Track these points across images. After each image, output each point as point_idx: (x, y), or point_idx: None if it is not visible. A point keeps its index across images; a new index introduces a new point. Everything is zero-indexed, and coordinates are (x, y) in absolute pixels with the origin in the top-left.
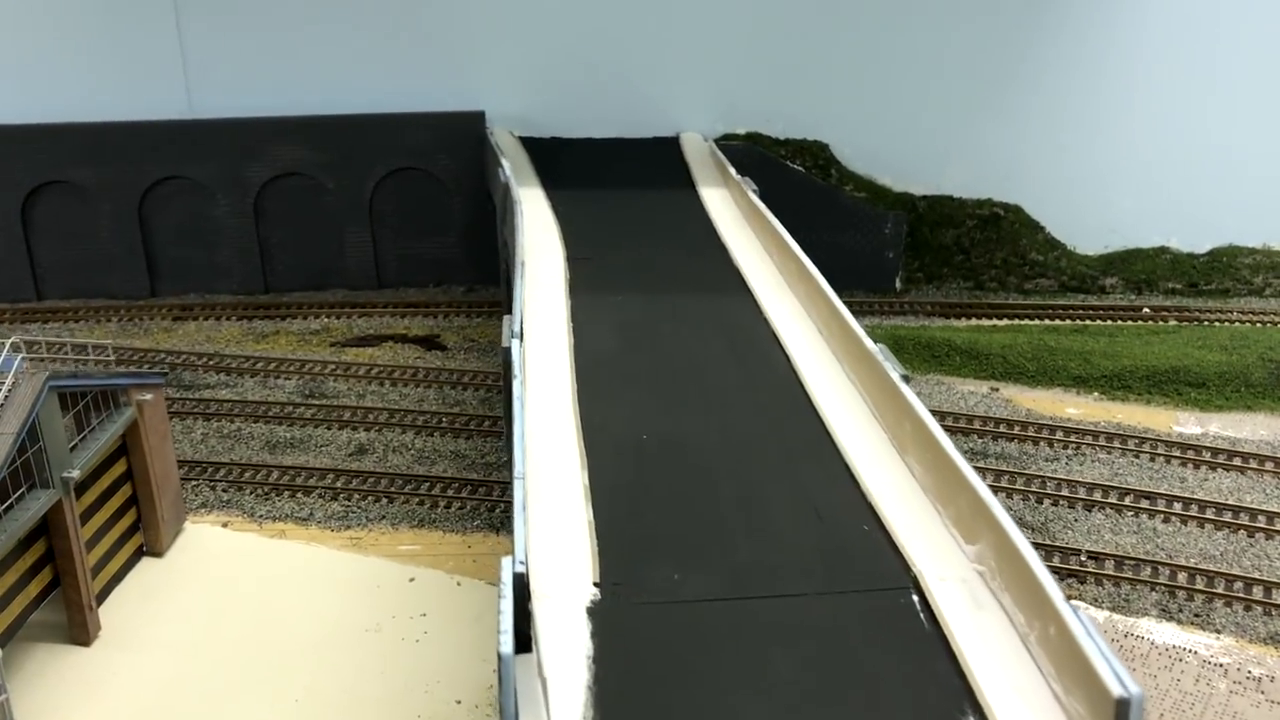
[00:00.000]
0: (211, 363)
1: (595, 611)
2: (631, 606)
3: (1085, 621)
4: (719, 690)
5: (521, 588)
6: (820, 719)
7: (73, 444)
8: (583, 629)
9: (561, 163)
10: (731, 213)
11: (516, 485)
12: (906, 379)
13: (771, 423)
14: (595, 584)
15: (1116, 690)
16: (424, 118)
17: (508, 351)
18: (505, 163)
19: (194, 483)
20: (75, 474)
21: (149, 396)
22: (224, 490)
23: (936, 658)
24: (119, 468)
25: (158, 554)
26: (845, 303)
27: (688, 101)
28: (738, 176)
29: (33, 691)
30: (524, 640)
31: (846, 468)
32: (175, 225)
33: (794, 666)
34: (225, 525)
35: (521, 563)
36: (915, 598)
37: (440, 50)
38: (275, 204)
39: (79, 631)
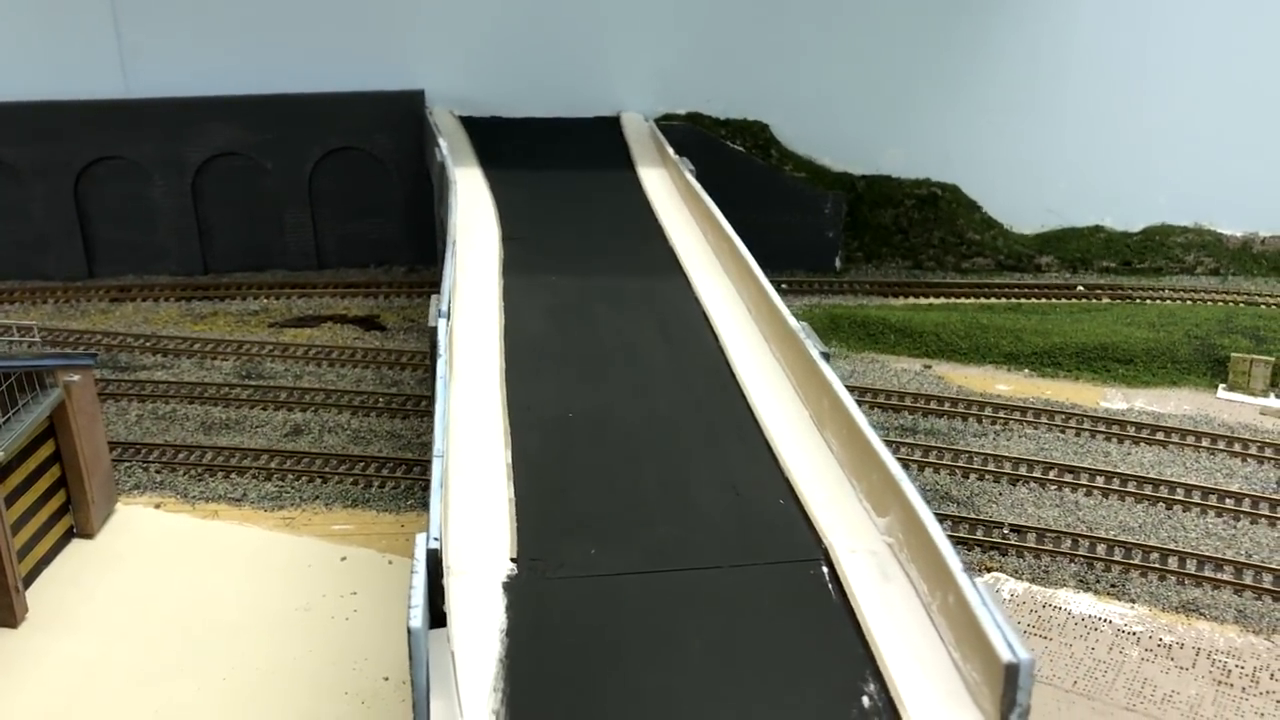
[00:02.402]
0: (148, 344)
1: (511, 586)
2: (547, 581)
3: (981, 590)
4: (629, 662)
5: (435, 564)
6: (726, 689)
7: None
8: (498, 603)
9: (501, 142)
10: (669, 193)
11: (435, 463)
12: (826, 356)
13: (697, 401)
14: (512, 559)
15: (1006, 656)
16: (363, 97)
17: (434, 331)
18: (442, 142)
19: (127, 464)
20: None
21: (77, 378)
22: (157, 471)
23: (842, 628)
24: (46, 449)
25: (88, 536)
26: (786, 282)
27: (629, 81)
28: (675, 156)
29: None
30: (439, 616)
31: (767, 445)
32: (112, 206)
33: (704, 638)
34: (158, 506)
35: (435, 539)
36: (825, 569)
37: (379, 28)
38: (213, 184)
39: (5, 613)
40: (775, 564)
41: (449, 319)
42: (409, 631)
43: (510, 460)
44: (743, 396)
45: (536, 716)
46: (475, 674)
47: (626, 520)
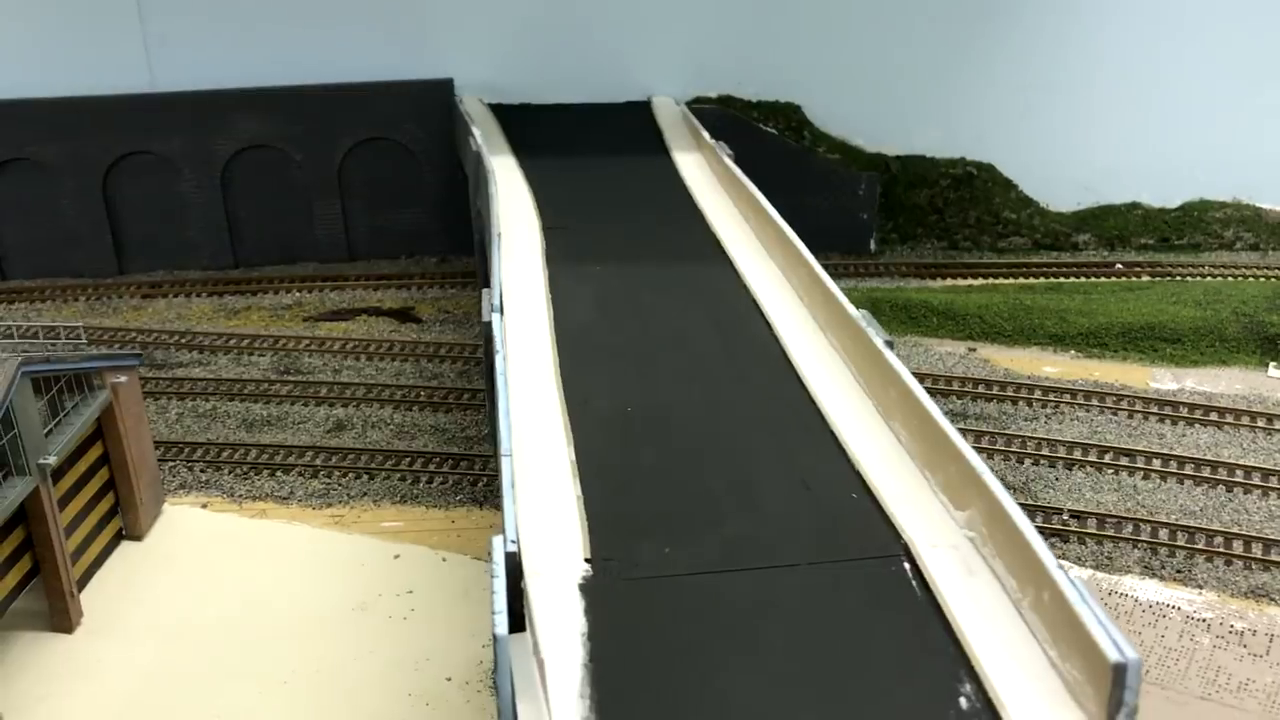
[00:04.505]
0: (183, 341)
1: (588, 588)
2: (624, 582)
3: (1079, 586)
4: (715, 663)
5: (514, 567)
6: (817, 690)
7: (47, 430)
8: (576, 606)
9: (532, 130)
10: (706, 178)
11: (504, 462)
12: (890, 345)
13: (756, 392)
14: (586, 560)
15: (1114, 656)
16: (391, 86)
17: (489, 326)
18: (476, 131)
19: (171, 464)
20: (51, 460)
21: (124, 379)
22: (202, 471)
23: (931, 626)
24: (95, 452)
25: (137, 537)
26: (821, 265)
27: (659, 65)
28: (711, 141)
29: (16, 680)
30: (517, 619)
31: (833, 436)
32: (141, 201)
33: (789, 638)
34: (205, 506)
35: (513, 542)
36: (907, 565)
37: (406, 17)
38: (242, 177)
39: (61, 619)
40: (855, 561)
41: (502, 313)
42: (494, 638)
43: (574, 457)
44: (802, 386)
45: None
46: (562, 680)
47: (697, 517)
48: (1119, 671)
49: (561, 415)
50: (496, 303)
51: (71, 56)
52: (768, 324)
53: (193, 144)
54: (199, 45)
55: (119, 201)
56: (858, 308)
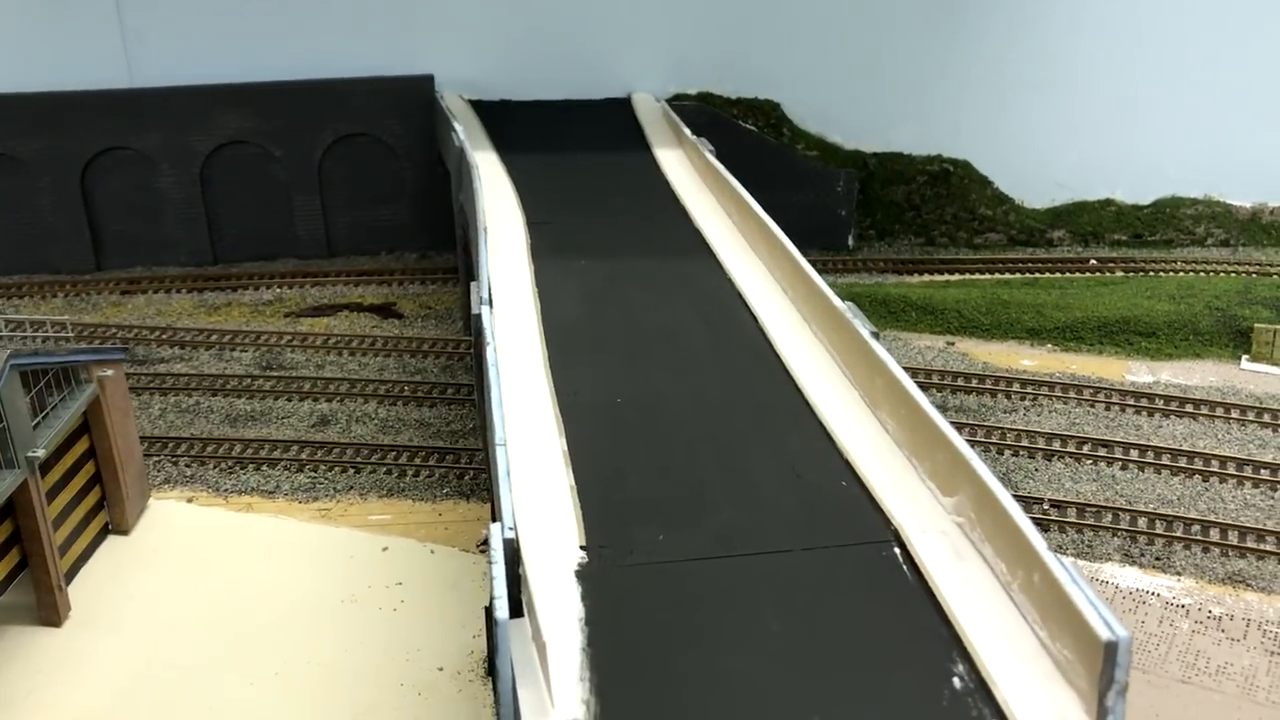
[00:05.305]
0: (164, 336)
1: (584, 574)
2: (619, 568)
3: (1069, 567)
4: (712, 647)
5: (513, 554)
6: (813, 672)
7: (35, 422)
8: (573, 592)
9: (514, 126)
10: (689, 174)
11: (499, 452)
12: (876, 336)
13: (743, 383)
14: (582, 547)
15: (1105, 634)
16: (371, 82)
17: (478, 318)
18: (459, 127)
19: (156, 459)
20: (40, 453)
21: (110, 373)
22: (187, 465)
23: (923, 609)
24: (82, 445)
25: (124, 532)
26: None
27: (638, 62)
28: (693, 138)
29: (3, 673)
30: (515, 606)
31: (821, 426)
32: (119, 197)
33: (784, 622)
34: (190, 500)
35: (511, 529)
36: (897, 550)
37: (386, 13)
38: (222, 173)
39: (49, 613)
40: (846, 546)
41: (491, 306)
42: (495, 623)
43: (566, 447)
44: (790, 377)
45: (626, 704)
46: (562, 664)
47: (689, 505)
48: (1110, 649)
49: (552, 406)
50: (485, 295)
51: (49, 51)
52: (753, 317)
53: (171, 140)
54: (178, 40)
55: (97, 197)
56: (844, 302)
